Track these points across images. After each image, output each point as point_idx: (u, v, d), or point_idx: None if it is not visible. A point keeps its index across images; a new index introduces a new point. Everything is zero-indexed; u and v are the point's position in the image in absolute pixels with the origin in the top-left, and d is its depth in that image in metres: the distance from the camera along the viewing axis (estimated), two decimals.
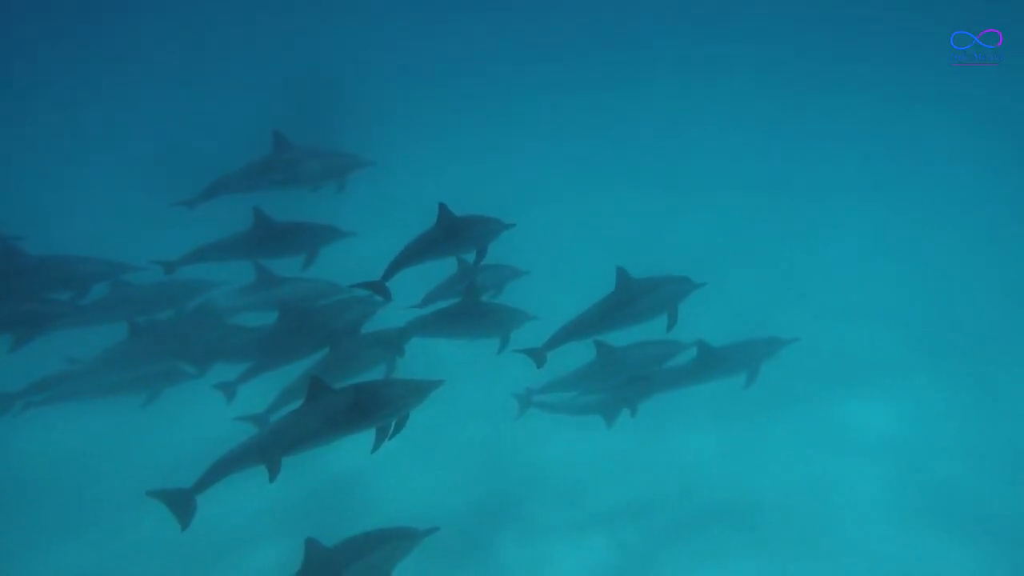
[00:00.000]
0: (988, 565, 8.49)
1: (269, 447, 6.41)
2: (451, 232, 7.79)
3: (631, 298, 7.89)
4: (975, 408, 10.89)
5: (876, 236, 15.93)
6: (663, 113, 21.15)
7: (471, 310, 8.37)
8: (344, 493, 9.50)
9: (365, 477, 9.60)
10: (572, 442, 9.99)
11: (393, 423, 6.61)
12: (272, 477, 6.35)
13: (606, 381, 8.80)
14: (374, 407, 6.44)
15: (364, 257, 8.18)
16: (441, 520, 7.13)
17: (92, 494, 9.42)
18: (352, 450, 6.95)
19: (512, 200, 13.75)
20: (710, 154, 19.11)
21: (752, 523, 9.04)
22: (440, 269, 8.67)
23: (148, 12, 24.11)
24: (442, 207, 7.77)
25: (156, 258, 8.65)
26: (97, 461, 9.80)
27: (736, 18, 27.26)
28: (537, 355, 7.85)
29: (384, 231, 8.96)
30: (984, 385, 11.35)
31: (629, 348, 8.63)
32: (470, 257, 8.08)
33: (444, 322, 8.41)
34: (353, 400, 6.38)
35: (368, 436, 6.55)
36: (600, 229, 15.16)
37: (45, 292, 8.27)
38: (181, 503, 6.44)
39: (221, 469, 6.52)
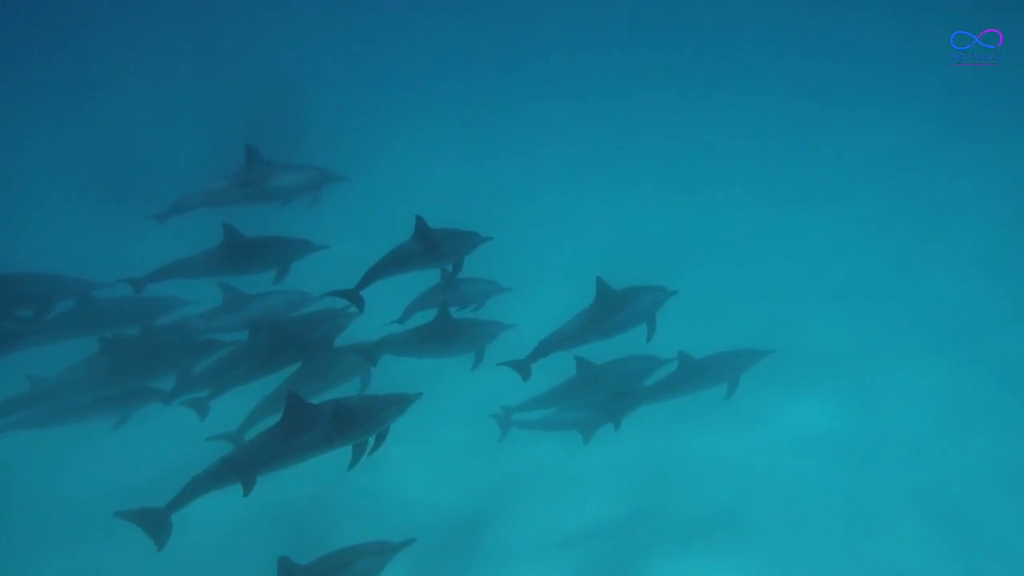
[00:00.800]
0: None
1: (245, 465, 6.34)
2: (427, 245, 7.80)
3: (612, 309, 7.94)
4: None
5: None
6: (643, 118, 21.01)
7: (445, 328, 8.35)
8: (320, 503, 9.42)
9: (345, 484, 9.24)
10: (549, 453, 10.03)
11: (372, 438, 6.53)
12: (246, 492, 6.29)
13: (586, 397, 8.80)
14: (353, 422, 6.38)
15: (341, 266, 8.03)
16: (420, 531, 7.07)
17: (60, 519, 9.22)
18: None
19: (493, 204, 13.88)
20: (689, 157, 19.03)
21: (734, 531, 9.14)
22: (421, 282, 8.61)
23: (111, 21, 24.04)
24: (418, 219, 7.79)
25: (123, 275, 8.56)
26: (62, 483, 9.60)
27: (726, 21, 27.21)
28: (521, 368, 7.89)
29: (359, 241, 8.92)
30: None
31: (609, 364, 8.65)
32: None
33: (418, 341, 8.35)
34: (332, 415, 6.31)
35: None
36: (572, 233, 15.14)
37: (5, 310, 8.19)
38: (156, 523, 6.34)
39: (196, 488, 6.43)
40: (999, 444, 10.09)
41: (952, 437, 10.30)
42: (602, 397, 8.68)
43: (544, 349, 7.90)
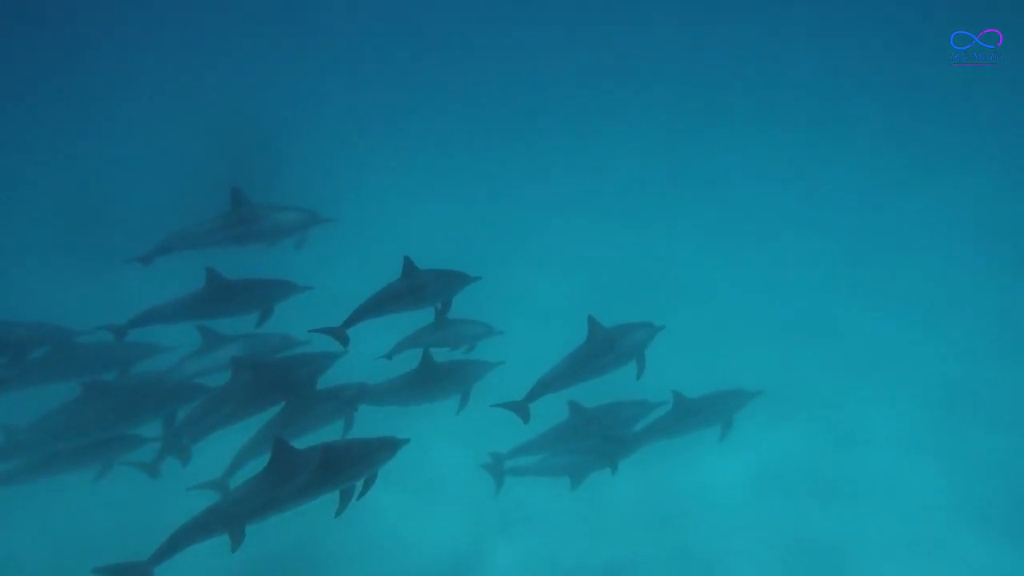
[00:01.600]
0: None
1: (233, 516, 6.24)
2: (415, 285, 7.89)
3: (604, 347, 7.98)
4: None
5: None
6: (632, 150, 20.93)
7: (429, 373, 8.41)
8: (304, 550, 9.31)
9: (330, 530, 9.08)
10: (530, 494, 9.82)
11: (360, 483, 6.48)
12: (235, 547, 6.21)
13: (578, 442, 8.81)
14: (341, 467, 6.31)
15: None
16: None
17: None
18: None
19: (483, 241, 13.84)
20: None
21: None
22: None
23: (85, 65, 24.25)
24: (406, 260, 7.89)
25: (98, 321, 8.47)
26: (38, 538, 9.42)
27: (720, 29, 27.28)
28: (519, 409, 7.86)
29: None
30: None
31: (601, 409, 8.70)
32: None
33: (401, 389, 8.44)
34: (320, 461, 6.23)
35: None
36: (548, 271, 15.00)
37: None
38: None
39: (180, 540, 6.34)
40: (962, 475, 10.38)
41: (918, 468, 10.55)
42: (594, 442, 8.66)
43: (540, 389, 7.85)
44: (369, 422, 8.01)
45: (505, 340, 8.97)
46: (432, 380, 8.41)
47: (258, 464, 7.29)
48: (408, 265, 7.85)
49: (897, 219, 17.10)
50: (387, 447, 6.44)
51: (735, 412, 9.13)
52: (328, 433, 7.84)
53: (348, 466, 6.32)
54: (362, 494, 6.50)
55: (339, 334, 7.69)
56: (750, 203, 17.94)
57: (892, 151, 20.45)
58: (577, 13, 27.55)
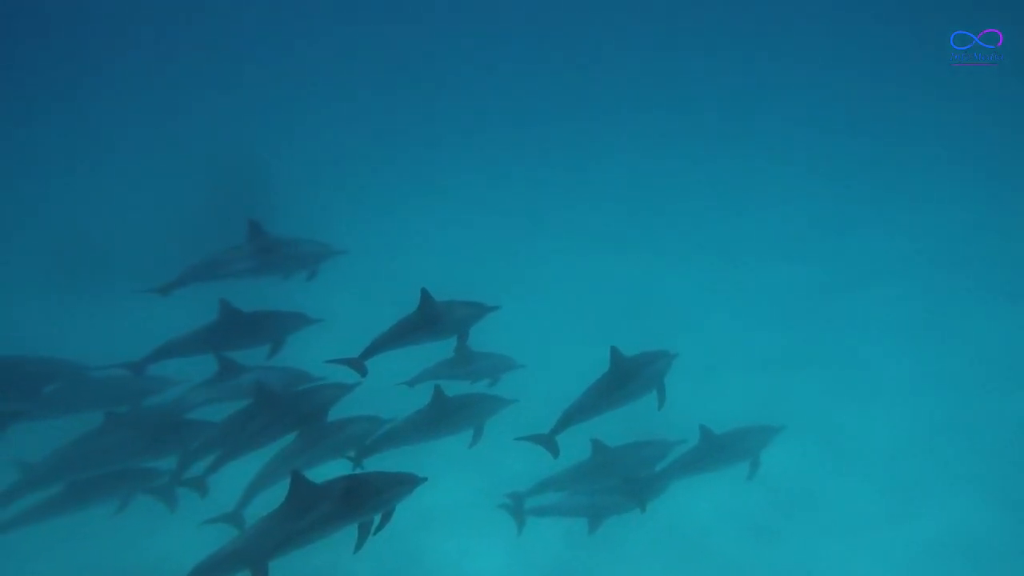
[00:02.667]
0: None
1: (254, 552, 6.26)
2: (432, 317, 8.01)
3: (626, 377, 8.00)
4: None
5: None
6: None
7: (442, 409, 8.44)
8: None
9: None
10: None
11: (378, 518, 6.53)
12: None
13: (599, 481, 8.83)
14: (361, 501, 6.37)
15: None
16: None
17: None
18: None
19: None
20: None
21: None
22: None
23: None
24: (423, 292, 7.97)
25: (104, 357, 8.62)
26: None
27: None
28: (547, 442, 7.90)
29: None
30: None
31: (624, 448, 8.76)
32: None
33: (415, 428, 8.39)
34: (340, 494, 6.31)
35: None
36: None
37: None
38: None
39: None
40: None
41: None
42: (616, 481, 8.70)
43: (566, 421, 7.88)
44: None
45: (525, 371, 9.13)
46: (444, 416, 8.44)
47: (270, 494, 7.53)
48: (425, 296, 7.95)
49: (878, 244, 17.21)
50: (406, 483, 6.53)
51: (762, 448, 9.16)
52: (338, 464, 7.90)
53: (367, 500, 6.39)
54: (379, 528, 6.57)
55: (357, 365, 7.87)
56: (734, 228, 18.11)
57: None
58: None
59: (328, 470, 7.22)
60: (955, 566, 9.76)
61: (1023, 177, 19.65)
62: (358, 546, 6.50)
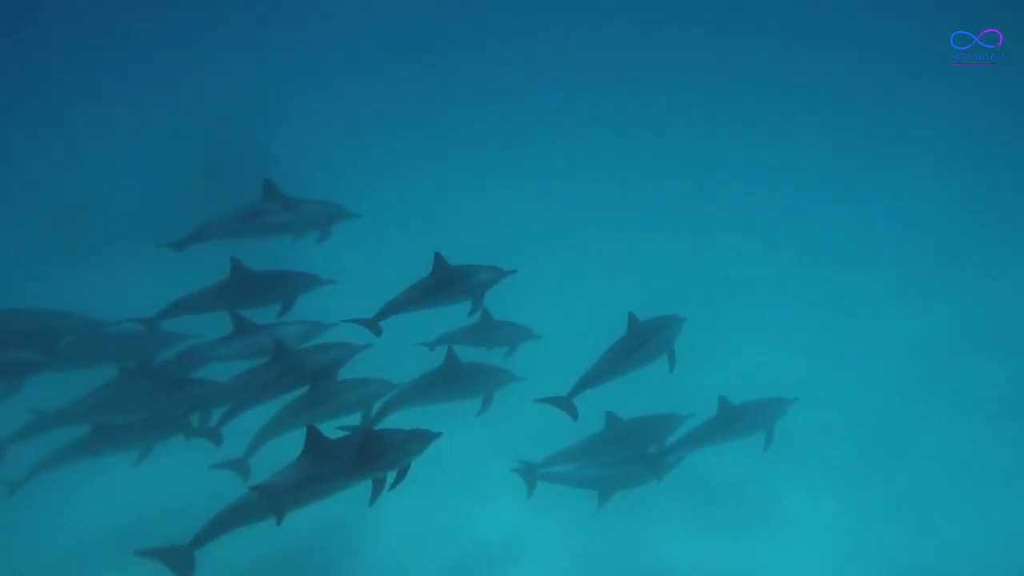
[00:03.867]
0: None
1: (274, 501, 6.38)
2: (446, 281, 8.17)
3: (641, 341, 8.21)
4: None
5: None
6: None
7: (452, 374, 8.67)
8: (327, 540, 9.52)
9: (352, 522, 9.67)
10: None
11: (392, 473, 6.68)
12: (279, 520, 6.38)
13: (613, 454, 9.01)
14: (377, 455, 6.52)
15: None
16: None
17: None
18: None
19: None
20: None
21: None
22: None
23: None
24: (437, 256, 8.14)
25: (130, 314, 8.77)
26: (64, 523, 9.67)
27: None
28: (565, 404, 8.04)
29: None
30: None
31: (637, 422, 8.94)
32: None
33: (426, 390, 8.64)
34: (357, 448, 6.47)
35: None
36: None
37: (9, 345, 8.46)
38: (180, 560, 6.61)
39: (220, 524, 6.65)
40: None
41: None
42: (630, 454, 8.90)
43: (584, 384, 8.07)
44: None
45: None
46: (454, 381, 8.68)
47: (276, 445, 7.90)
48: (439, 260, 8.12)
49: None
50: (421, 438, 6.67)
51: (776, 420, 9.36)
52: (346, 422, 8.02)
53: (385, 454, 6.54)
54: (395, 484, 6.72)
55: (372, 325, 8.05)
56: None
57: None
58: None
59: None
60: None
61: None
62: (372, 499, 6.64)
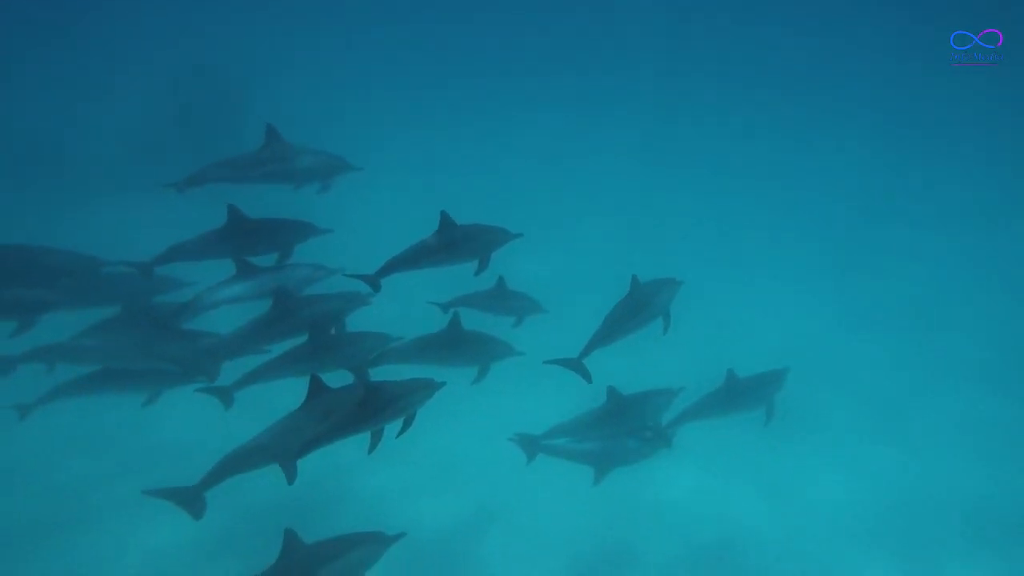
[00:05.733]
0: None
1: (279, 448, 6.57)
2: (452, 240, 8.11)
3: (642, 303, 8.31)
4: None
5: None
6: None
7: (453, 338, 8.66)
8: (317, 490, 9.66)
9: (336, 477, 9.93)
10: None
11: (388, 423, 6.74)
12: (291, 480, 6.59)
13: (614, 427, 9.08)
14: (383, 404, 6.60)
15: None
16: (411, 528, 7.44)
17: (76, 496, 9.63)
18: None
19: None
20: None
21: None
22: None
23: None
24: (443, 214, 8.09)
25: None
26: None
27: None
28: (577, 367, 8.08)
29: None
30: None
31: (638, 396, 9.02)
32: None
33: (424, 349, 8.62)
34: (363, 397, 6.56)
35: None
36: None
37: (9, 282, 8.49)
38: (189, 499, 6.74)
39: (229, 467, 6.76)
40: None
41: None
42: (629, 428, 9.01)
43: (592, 346, 8.12)
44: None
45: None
46: (455, 345, 8.65)
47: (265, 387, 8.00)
48: (445, 219, 8.07)
49: None
50: (426, 387, 6.74)
51: (776, 394, 9.59)
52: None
53: (390, 403, 6.61)
54: (401, 432, 6.79)
55: (372, 281, 7.96)
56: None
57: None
58: None
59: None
60: None
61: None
62: (371, 448, 6.73)
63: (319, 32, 24.83)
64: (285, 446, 6.56)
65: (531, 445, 9.33)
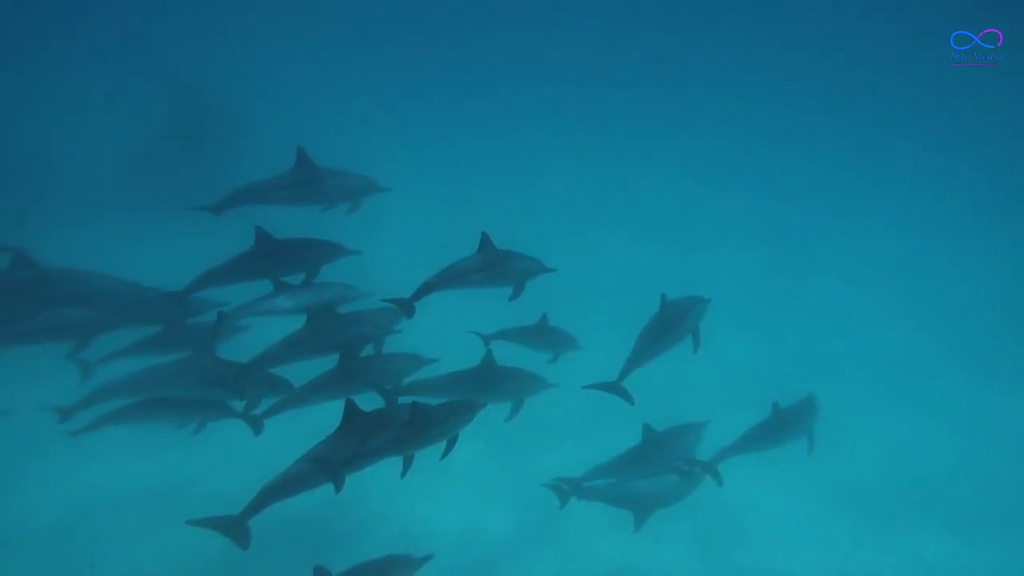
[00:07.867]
0: None
1: (334, 470, 6.68)
2: (488, 263, 8.27)
3: (673, 323, 8.47)
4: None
5: None
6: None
7: (488, 374, 8.73)
8: (342, 511, 9.74)
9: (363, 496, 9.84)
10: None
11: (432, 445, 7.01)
12: (339, 488, 6.70)
13: (653, 464, 9.06)
14: (430, 425, 6.86)
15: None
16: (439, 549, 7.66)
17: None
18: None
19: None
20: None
21: None
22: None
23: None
24: (484, 236, 8.26)
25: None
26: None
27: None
28: (617, 390, 8.17)
29: None
30: None
31: (671, 432, 9.12)
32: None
33: (457, 384, 8.67)
34: (408, 419, 6.81)
35: None
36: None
37: (58, 306, 8.88)
38: (233, 528, 6.79)
39: (270, 495, 6.86)
40: None
41: None
42: (667, 466, 8.99)
43: (629, 368, 8.25)
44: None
45: None
46: (489, 381, 8.71)
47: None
48: (485, 241, 8.22)
49: None
50: (468, 410, 7.01)
51: (815, 423, 9.70)
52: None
53: (434, 425, 6.86)
54: (445, 454, 7.06)
55: (406, 306, 8.02)
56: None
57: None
58: None
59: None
60: None
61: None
62: (404, 472, 6.96)
63: (317, 48, 24.87)
64: (342, 469, 6.69)
65: (572, 488, 9.04)
